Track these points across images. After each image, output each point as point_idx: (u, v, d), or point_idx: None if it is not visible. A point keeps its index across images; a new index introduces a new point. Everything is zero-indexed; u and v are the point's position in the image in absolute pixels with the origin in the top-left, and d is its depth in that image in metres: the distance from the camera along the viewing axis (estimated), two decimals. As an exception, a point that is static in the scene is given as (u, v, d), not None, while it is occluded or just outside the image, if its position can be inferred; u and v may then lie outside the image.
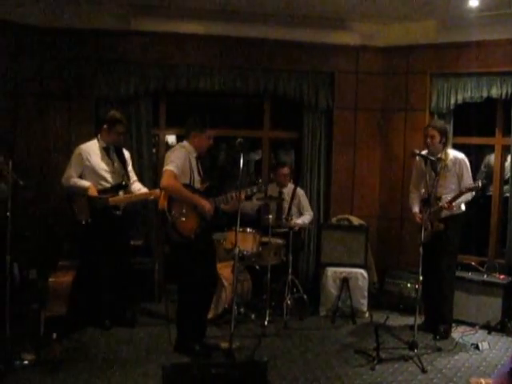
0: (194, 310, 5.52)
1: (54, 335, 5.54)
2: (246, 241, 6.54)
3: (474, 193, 6.02)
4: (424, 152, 6.12)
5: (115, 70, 7.34)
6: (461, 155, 6.18)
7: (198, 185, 5.53)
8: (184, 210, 5.30)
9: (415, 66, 7.68)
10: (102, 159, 6.19)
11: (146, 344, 5.86)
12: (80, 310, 6.12)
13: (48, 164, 7.23)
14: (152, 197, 6.24)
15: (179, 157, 5.37)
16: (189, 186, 5.42)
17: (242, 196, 5.51)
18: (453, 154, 6.17)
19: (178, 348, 5.57)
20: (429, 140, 6.07)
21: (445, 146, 6.17)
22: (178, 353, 5.52)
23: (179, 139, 9.07)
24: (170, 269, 7.73)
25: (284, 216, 7.23)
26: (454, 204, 5.87)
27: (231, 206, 5.62)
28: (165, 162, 5.40)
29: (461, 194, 5.85)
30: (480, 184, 5.75)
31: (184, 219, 5.29)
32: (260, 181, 5.89)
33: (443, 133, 6.12)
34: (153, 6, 7.25)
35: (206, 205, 5.36)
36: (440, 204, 5.93)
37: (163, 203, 5.29)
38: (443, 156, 6.08)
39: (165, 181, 5.27)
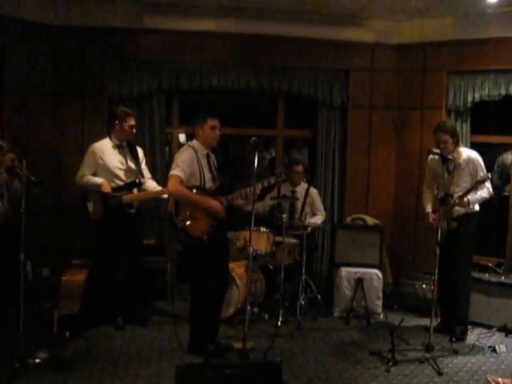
0: (206, 309, 5.53)
1: (67, 334, 5.65)
2: (260, 240, 6.56)
3: (491, 190, 6.02)
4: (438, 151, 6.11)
5: (128, 69, 7.40)
6: (474, 154, 6.15)
7: (209, 183, 5.52)
8: (191, 213, 5.30)
9: (431, 63, 7.66)
10: (116, 157, 6.24)
11: (158, 343, 5.89)
12: (93, 309, 6.17)
13: (61, 163, 7.28)
14: (166, 195, 6.29)
15: (185, 159, 5.38)
16: (198, 188, 5.42)
17: (258, 190, 5.50)
18: (466, 152, 6.14)
19: (191, 348, 5.58)
20: (442, 146, 6.02)
21: (456, 144, 6.14)
22: (191, 353, 5.53)
23: (189, 138, 9.15)
24: (182, 268, 7.79)
25: (297, 216, 7.27)
26: (465, 200, 5.84)
27: (247, 201, 5.58)
28: (172, 165, 5.44)
29: (471, 188, 5.83)
30: (489, 176, 5.75)
31: (193, 221, 5.30)
32: (277, 171, 5.86)
33: (454, 134, 6.11)
34: (165, 3, 7.28)
35: (216, 206, 5.38)
36: (451, 200, 5.92)
37: (171, 207, 5.35)
38: (455, 155, 6.06)
39: (170, 187, 5.33)
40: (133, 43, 7.39)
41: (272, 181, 5.66)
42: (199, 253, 5.42)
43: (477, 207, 6.14)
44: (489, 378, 5.06)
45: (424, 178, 6.60)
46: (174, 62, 7.48)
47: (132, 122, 6.24)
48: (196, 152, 5.47)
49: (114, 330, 6.21)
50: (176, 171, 5.31)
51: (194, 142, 5.55)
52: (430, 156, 6.25)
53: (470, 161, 6.08)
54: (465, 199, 5.85)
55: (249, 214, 5.26)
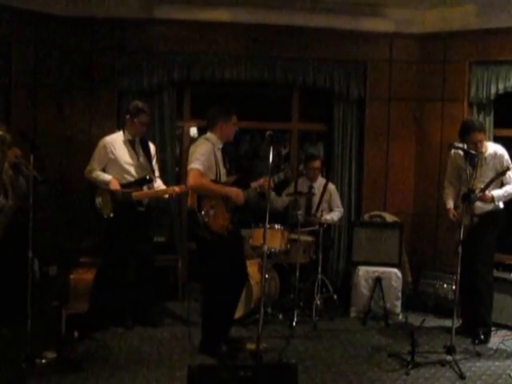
0: (221, 309, 5.52)
1: (76, 334, 5.65)
2: (274, 238, 6.54)
3: None
4: (463, 145, 6.05)
5: (138, 61, 7.41)
6: (500, 148, 6.06)
7: (224, 178, 5.54)
8: (214, 207, 5.30)
9: (453, 53, 7.59)
10: (127, 152, 6.24)
11: (169, 344, 5.88)
12: (102, 309, 6.18)
13: (69, 157, 7.32)
14: (166, 195, 6.31)
15: (204, 152, 5.36)
16: (216, 182, 5.43)
17: (272, 184, 5.51)
18: (492, 147, 6.06)
19: (202, 349, 5.57)
20: (478, 145, 5.91)
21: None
22: (203, 354, 5.52)
23: (201, 131, 9.15)
24: (193, 267, 7.81)
25: (313, 212, 7.25)
26: (488, 194, 5.78)
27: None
28: (189, 159, 5.40)
29: (492, 180, 5.76)
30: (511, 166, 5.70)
31: (215, 217, 5.30)
32: (286, 166, 5.91)
33: (484, 129, 6.05)
34: (176, -7, 7.31)
35: (237, 192, 5.36)
36: (473, 195, 5.86)
37: (192, 202, 5.32)
38: (483, 149, 6.00)
39: (191, 180, 5.28)
40: (143, 34, 7.41)
41: (282, 176, 5.73)
42: (219, 250, 5.40)
43: (501, 205, 6.07)
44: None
45: (445, 173, 6.54)
46: (185, 54, 7.48)
47: (144, 119, 6.22)
48: (213, 145, 5.48)
49: (123, 330, 6.22)
50: (195, 164, 5.28)
51: (211, 136, 5.53)
52: (453, 150, 6.18)
53: (496, 156, 5.99)
54: (488, 194, 5.79)
55: (262, 211, 5.26)
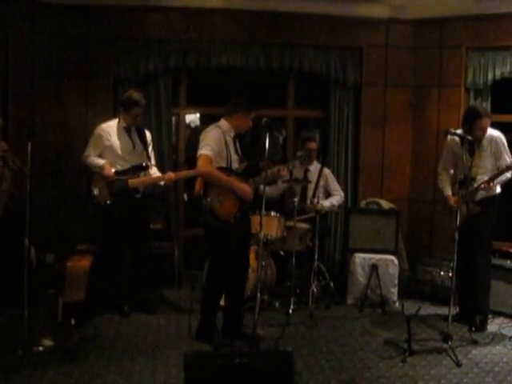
0: (220, 296, 5.56)
1: (72, 321, 5.66)
2: (270, 225, 6.50)
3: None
4: (460, 132, 6.03)
5: (133, 48, 7.39)
6: (497, 133, 6.02)
7: (235, 165, 5.53)
8: (221, 195, 5.29)
9: (449, 39, 7.57)
10: (123, 139, 6.23)
11: (166, 331, 5.90)
12: (98, 296, 6.20)
13: (66, 144, 7.28)
14: (162, 182, 6.31)
15: (214, 138, 5.35)
16: (226, 169, 5.41)
17: (285, 172, 5.66)
18: (488, 132, 6.00)
19: (199, 336, 5.58)
20: (482, 132, 5.92)
21: None
22: (199, 340, 5.53)
23: (203, 118, 9.13)
24: (189, 254, 7.83)
25: (310, 199, 7.24)
26: (492, 184, 5.78)
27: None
28: (199, 145, 5.38)
29: (501, 172, 5.74)
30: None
31: (221, 204, 5.29)
32: (300, 153, 5.97)
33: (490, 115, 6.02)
34: (172, -21, 7.26)
35: (246, 188, 5.35)
36: (475, 185, 5.84)
37: (199, 188, 5.31)
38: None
39: (201, 166, 5.26)
40: (139, 22, 7.36)
41: (297, 163, 5.80)
42: (224, 237, 5.38)
43: (498, 189, 6.06)
44: None
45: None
46: (180, 41, 7.44)
47: (138, 111, 6.22)
48: (224, 133, 5.46)
49: (120, 317, 6.24)
50: (205, 150, 5.27)
51: (223, 123, 5.52)
52: (449, 137, 6.16)
53: (492, 140, 5.97)
54: (491, 184, 5.77)
55: (259, 198, 5.27)
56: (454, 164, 6.20)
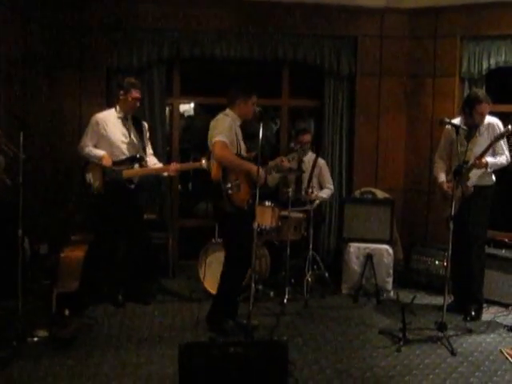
0: (237, 283, 5.60)
1: (67, 312, 5.66)
2: (265, 215, 6.52)
3: (509, 158, 5.95)
4: (457, 120, 6.01)
5: (127, 38, 7.37)
6: (494, 119, 6.02)
7: (244, 153, 5.59)
8: (238, 181, 5.35)
9: (444, 28, 7.54)
10: (119, 129, 6.21)
11: (160, 322, 5.88)
12: (93, 286, 6.21)
13: (59, 135, 7.27)
14: (166, 174, 6.31)
15: (227, 126, 5.40)
16: (239, 156, 5.46)
17: (287, 163, 5.79)
18: (487, 118, 6.00)
19: (209, 322, 5.59)
20: (481, 118, 5.92)
21: None
22: (211, 330, 5.53)
23: (197, 107, 9.12)
24: (184, 244, 7.83)
25: (304, 188, 7.23)
26: (483, 160, 5.76)
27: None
28: (211, 133, 5.42)
29: (490, 145, 5.72)
30: (510, 128, 5.62)
31: (238, 189, 5.34)
32: (299, 147, 6.02)
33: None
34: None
35: (260, 171, 5.32)
36: (466, 165, 5.78)
37: (217, 174, 5.32)
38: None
39: (218, 152, 5.28)
40: (132, 11, 7.33)
41: (295, 156, 5.86)
42: (239, 222, 5.40)
43: (493, 178, 6.07)
44: (503, 351, 5.06)
45: (437, 148, 6.50)
46: (174, 31, 7.42)
47: (137, 94, 6.19)
48: (233, 121, 5.50)
49: (114, 308, 6.23)
50: (220, 137, 5.30)
51: (230, 112, 5.55)
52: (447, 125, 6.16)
53: (489, 126, 5.96)
54: (483, 160, 5.77)
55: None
56: (450, 152, 6.19)
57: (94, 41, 7.28)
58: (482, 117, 5.93)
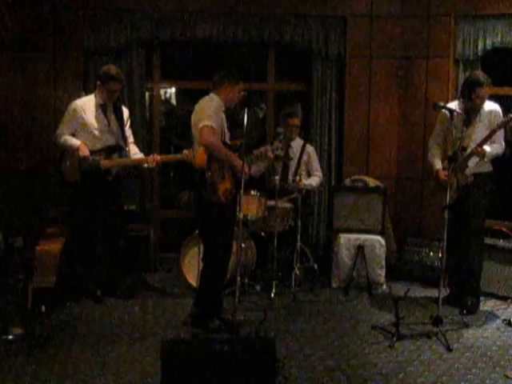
0: (219, 280, 5.50)
1: (43, 308, 5.65)
2: (250, 205, 6.41)
3: (503, 146, 5.94)
4: (453, 104, 5.98)
5: (104, 19, 7.28)
6: (495, 106, 5.96)
7: (228, 141, 5.48)
8: (221, 170, 5.24)
9: (437, 7, 7.51)
10: (98, 117, 6.13)
11: (142, 318, 5.85)
12: (70, 281, 6.18)
13: (33, 121, 7.21)
14: (146, 165, 6.22)
15: (215, 109, 5.29)
16: (225, 144, 5.34)
17: (271, 154, 5.67)
18: (488, 104, 5.95)
19: (195, 323, 5.48)
20: (480, 101, 5.86)
21: None
22: (196, 327, 5.46)
23: (179, 93, 9.05)
24: (165, 236, 7.79)
25: (292, 177, 7.19)
26: (483, 148, 5.73)
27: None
28: (196, 117, 5.30)
29: (492, 133, 5.67)
30: (511, 116, 5.58)
31: (222, 179, 5.24)
32: (279, 130, 5.97)
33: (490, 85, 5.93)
34: None
35: (245, 167, 5.22)
36: (467, 152, 5.76)
37: (202, 161, 5.18)
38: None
39: (206, 137, 5.13)
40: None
41: (281, 145, 5.80)
42: (221, 213, 5.31)
43: (490, 167, 6.04)
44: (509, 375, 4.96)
45: (431, 133, 6.47)
46: (153, 11, 7.37)
47: (115, 87, 6.09)
48: (218, 106, 5.39)
49: (93, 303, 6.20)
50: (208, 121, 5.14)
51: (214, 97, 5.42)
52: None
53: (491, 113, 5.91)
54: (482, 148, 5.73)
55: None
56: (445, 139, 6.15)
57: (68, 22, 7.20)
58: (482, 101, 5.87)
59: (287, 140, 6.84)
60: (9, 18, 7.03)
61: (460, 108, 5.92)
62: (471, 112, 5.91)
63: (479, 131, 5.85)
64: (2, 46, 7.03)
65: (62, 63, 7.30)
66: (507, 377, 4.64)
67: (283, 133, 6.01)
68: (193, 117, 5.38)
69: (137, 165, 6.43)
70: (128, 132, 6.41)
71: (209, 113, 5.23)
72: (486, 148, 5.79)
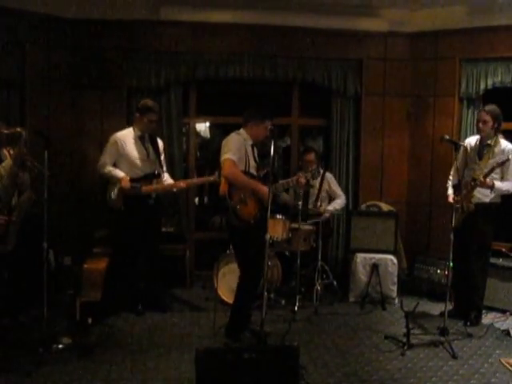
0: (252, 295, 5.51)
1: (89, 320, 5.71)
2: (276, 227, 6.52)
3: None
4: (474, 138, 6.08)
5: (146, 60, 7.38)
6: (510, 145, 5.95)
7: (253, 171, 5.55)
8: (243, 196, 5.33)
9: (444, 51, 7.57)
10: (137, 148, 6.20)
11: (178, 329, 5.88)
12: (114, 296, 6.17)
13: (81, 153, 7.31)
14: (175, 189, 6.30)
15: (236, 144, 5.39)
16: (247, 173, 5.45)
17: (304, 180, 5.76)
18: (504, 143, 5.95)
19: (228, 335, 5.49)
20: (481, 125, 5.91)
21: (496, 131, 5.97)
22: (228, 338, 5.47)
23: (213, 127, 9.15)
24: (200, 255, 7.84)
25: (313, 202, 7.23)
26: (488, 180, 5.70)
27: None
28: (222, 151, 5.40)
29: (494, 168, 5.66)
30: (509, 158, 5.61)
31: (244, 205, 5.33)
32: (314, 167, 6.09)
33: (496, 118, 5.93)
34: (182, -5, 7.27)
35: (266, 191, 5.25)
36: (473, 183, 5.75)
37: (224, 190, 5.33)
38: (492, 142, 5.92)
39: (226, 169, 5.29)
40: (150, 35, 7.38)
41: (315, 175, 6.00)
42: (247, 236, 5.38)
43: (498, 199, 6.04)
44: (502, 361, 5.05)
45: (438, 164, 6.50)
46: (190, 53, 7.44)
47: (152, 117, 6.19)
48: (244, 140, 5.50)
49: (134, 316, 6.24)
50: (229, 155, 5.30)
51: (242, 132, 5.54)
52: (466, 142, 6.18)
53: (505, 152, 5.87)
54: (489, 181, 5.73)
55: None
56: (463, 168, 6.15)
57: (114, 63, 7.31)
58: (479, 124, 5.96)
59: (317, 177, 6.72)
60: (62, 59, 7.17)
61: (477, 142, 6.00)
62: (484, 144, 5.95)
63: (490, 165, 5.81)
64: (57, 85, 7.16)
65: (108, 100, 7.39)
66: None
67: (314, 171, 6.05)
68: (221, 151, 5.47)
69: (168, 190, 6.46)
70: (163, 162, 6.48)
71: (230, 147, 5.36)
72: (497, 183, 5.81)
